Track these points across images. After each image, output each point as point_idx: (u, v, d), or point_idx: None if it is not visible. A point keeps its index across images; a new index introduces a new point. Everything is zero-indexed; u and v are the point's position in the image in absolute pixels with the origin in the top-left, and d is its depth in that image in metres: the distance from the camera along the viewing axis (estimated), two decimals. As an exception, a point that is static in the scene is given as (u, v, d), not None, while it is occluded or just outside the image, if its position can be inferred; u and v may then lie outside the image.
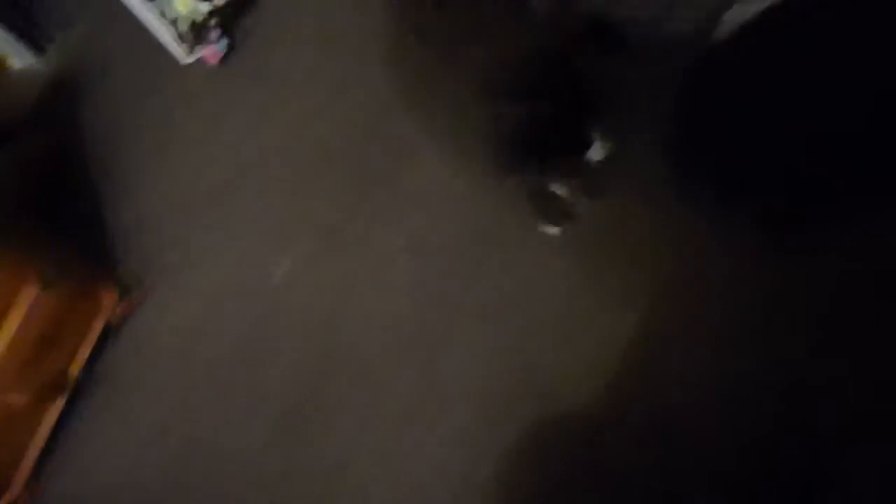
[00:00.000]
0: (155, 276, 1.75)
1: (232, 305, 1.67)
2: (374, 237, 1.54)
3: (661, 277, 1.17)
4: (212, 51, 1.84)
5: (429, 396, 1.26)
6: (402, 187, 1.54)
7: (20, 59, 1.94)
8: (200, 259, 1.74)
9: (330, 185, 1.69)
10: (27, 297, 1.49)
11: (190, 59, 1.93)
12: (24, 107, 1.96)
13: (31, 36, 2.00)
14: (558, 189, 1.27)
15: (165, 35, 1.79)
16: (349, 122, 1.71)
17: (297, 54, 1.87)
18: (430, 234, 1.44)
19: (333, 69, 1.80)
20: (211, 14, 1.73)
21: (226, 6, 1.79)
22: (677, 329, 1.11)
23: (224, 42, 1.85)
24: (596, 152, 1.30)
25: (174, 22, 1.69)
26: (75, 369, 1.58)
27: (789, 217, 1.10)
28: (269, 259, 1.69)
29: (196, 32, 1.76)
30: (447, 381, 1.26)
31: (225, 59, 1.92)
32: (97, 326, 1.62)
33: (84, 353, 1.60)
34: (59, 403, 1.54)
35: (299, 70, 1.85)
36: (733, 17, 1.21)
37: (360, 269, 1.52)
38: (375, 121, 1.65)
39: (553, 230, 1.29)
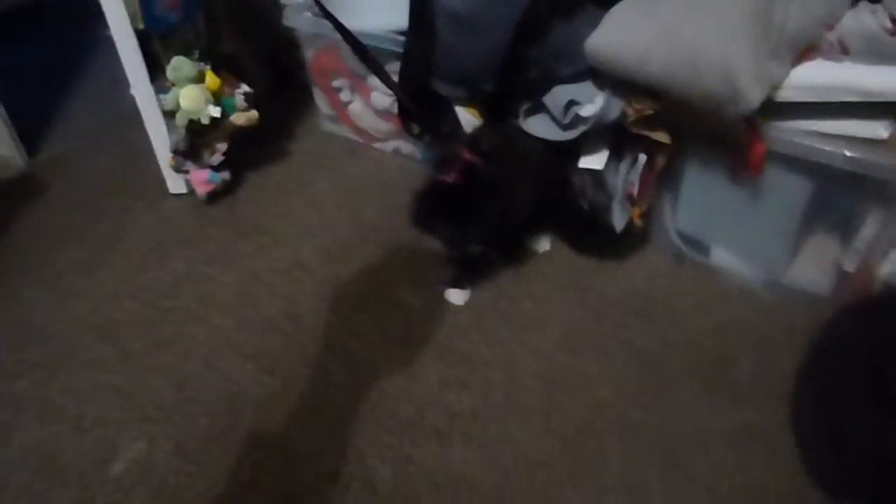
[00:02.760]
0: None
1: (40, 486, 1.01)
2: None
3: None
4: (202, 177, 1.46)
5: None
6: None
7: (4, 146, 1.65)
8: (29, 411, 1.12)
9: (245, 373, 1.17)
10: None
11: (178, 189, 1.55)
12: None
13: (29, 133, 1.76)
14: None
15: (160, 140, 1.45)
16: (309, 302, 1.30)
17: (296, 216, 1.51)
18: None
19: (325, 241, 1.44)
20: (217, 127, 1.40)
21: (244, 137, 1.47)
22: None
23: (221, 175, 1.49)
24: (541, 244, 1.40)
25: (172, 115, 1.37)
26: None
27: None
28: (120, 438, 1.08)
29: (193, 145, 1.42)
30: None
31: (216, 197, 1.55)
32: None
33: None
34: None
35: (288, 235, 1.46)
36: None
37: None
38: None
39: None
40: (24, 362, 1.23)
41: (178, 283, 1.37)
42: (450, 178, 1.18)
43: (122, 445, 1.07)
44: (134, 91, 1.42)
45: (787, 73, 0.99)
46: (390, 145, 1.69)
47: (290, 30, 1.64)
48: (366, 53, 1.29)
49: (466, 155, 1.19)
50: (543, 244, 1.39)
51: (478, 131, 1.31)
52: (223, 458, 1.04)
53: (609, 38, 1.03)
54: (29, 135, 1.82)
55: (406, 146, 1.67)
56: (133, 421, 1.11)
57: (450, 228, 1.23)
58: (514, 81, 1.18)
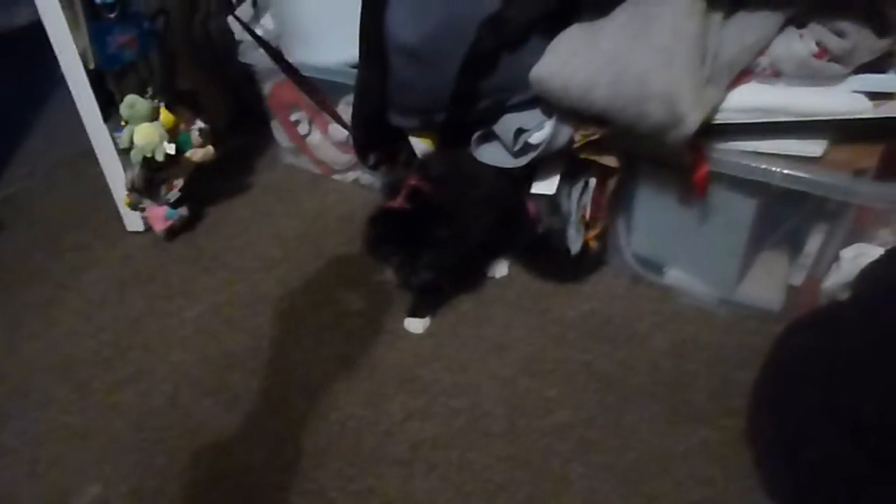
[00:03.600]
0: None
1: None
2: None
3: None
4: (159, 213, 1.46)
5: None
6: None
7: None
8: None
9: (205, 410, 1.16)
10: None
11: (135, 227, 1.55)
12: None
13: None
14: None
15: (115, 178, 1.45)
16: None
17: (257, 249, 1.51)
18: None
19: (287, 274, 1.44)
20: (173, 164, 1.40)
21: (205, 172, 1.48)
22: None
23: (179, 212, 1.49)
24: (498, 270, 1.41)
25: (127, 152, 1.37)
26: None
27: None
28: (76, 481, 1.05)
29: (149, 182, 1.42)
30: None
31: (176, 232, 1.55)
32: None
33: None
34: None
35: (249, 268, 1.46)
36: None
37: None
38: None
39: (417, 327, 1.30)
40: (-23, 406, 1.21)
41: (138, 320, 1.36)
42: (396, 203, 1.20)
43: (78, 489, 1.06)
44: (87, 129, 1.42)
45: (723, 97, 1.03)
46: (350, 176, 1.70)
47: (247, 65, 1.66)
48: (310, 87, 1.30)
49: (413, 180, 1.21)
50: (501, 269, 1.40)
51: (427, 157, 1.33)
52: (181, 498, 1.03)
53: (552, 69, 1.06)
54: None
55: (366, 177, 1.68)
56: (90, 463, 1.09)
57: (400, 255, 1.23)
58: (465, 112, 1.20)
